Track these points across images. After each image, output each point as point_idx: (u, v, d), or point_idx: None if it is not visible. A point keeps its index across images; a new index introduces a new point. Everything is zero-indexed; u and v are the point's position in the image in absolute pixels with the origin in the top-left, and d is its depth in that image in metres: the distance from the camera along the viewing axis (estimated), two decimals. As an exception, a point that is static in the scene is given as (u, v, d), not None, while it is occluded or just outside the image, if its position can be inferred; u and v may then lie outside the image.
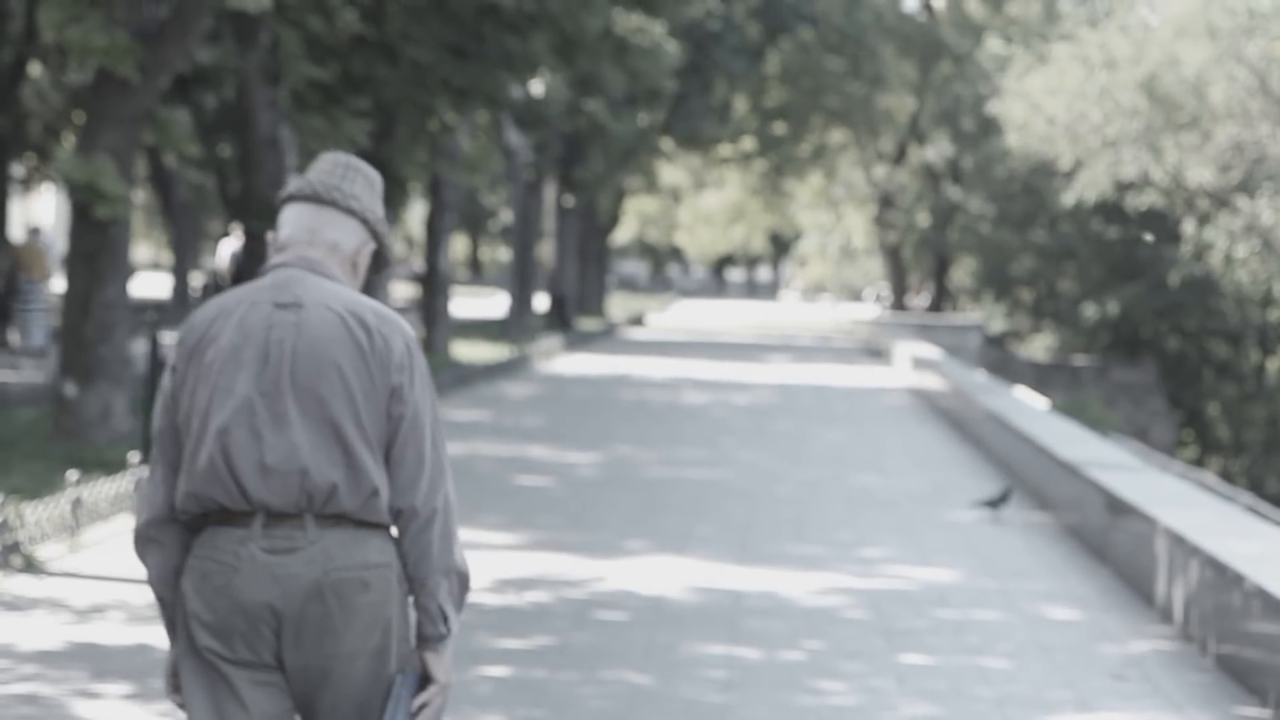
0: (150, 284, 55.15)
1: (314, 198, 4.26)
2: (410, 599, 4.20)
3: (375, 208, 4.31)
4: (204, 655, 4.08)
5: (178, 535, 4.17)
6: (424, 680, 4.15)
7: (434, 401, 4.20)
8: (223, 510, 4.08)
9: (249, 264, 21.12)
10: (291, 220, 4.27)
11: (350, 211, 4.26)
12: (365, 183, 4.30)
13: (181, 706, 4.19)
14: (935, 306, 61.79)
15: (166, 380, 4.21)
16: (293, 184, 4.31)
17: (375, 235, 4.30)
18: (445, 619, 4.16)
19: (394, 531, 4.17)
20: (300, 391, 4.09)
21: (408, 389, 4.13)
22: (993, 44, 55.71)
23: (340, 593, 4.05)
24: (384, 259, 4.33)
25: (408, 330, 4.21)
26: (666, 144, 52.70)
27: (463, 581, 4.19)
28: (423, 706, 4.13)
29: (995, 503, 14.84)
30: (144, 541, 4.19)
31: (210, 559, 4.08)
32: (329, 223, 4.26)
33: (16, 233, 45.77)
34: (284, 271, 4.21)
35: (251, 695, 4.07)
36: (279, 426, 4.07)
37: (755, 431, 22.20)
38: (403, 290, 55.37)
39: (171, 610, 4.21)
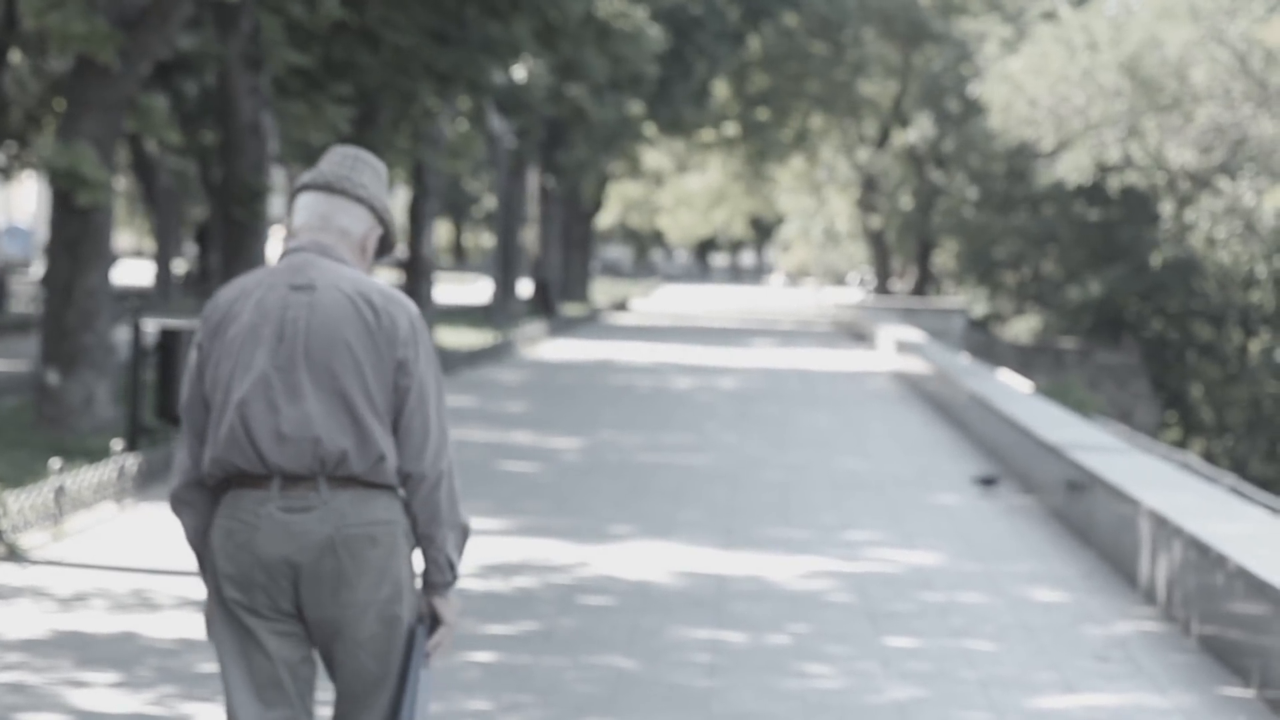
0: (133, 271, 55.05)
1: (325, 187, 4.63)
2: (419, 552, 4.60)
3: (381, 196, 4.67)
4: (230, 606, 4.49)
5: (208, 497, 4.58)
6: (433, 623, 4.59)
7: (438, 374, 4.58)
8: (243, 474, 4.48)
9: (229, 250, 21.06)
10: (305, 207, 4.64)
11: (359, 200, 4.63)
12: (372, 173, 4.67)
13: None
14: (919, 290, 61.83)
15: (193, 356, 4.59)
16: (306, 175, 4.66)
17: (382, 222, 4.68)
18: (452, 567, 4.58)
19: (400, 493, 4.56)
20: (313, 366, 4.47)
21: (413, 362, 4.51)
22: (966, 22, 55.72)
23: (351, 547, 4.45)
24: (389, 243, 4.70)
25: (412, 308, 4.58)
26: (649, 129, 52.66)
27: (465, 533, 4.62)
28: (436, 646, 4.59)
29: (988, 481, 15.35)
30: (179, 504, 4.61)
31: (233, 518, 4.48)
32: (339, 210, 4.63)
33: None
34: (298, 255, 4.57)
35: (272, 642, 4.48)
36: (294, 398, 4.46)
37: (740, 416, 22.22)
38: (386, 276, 55.31)
39: (205, 561, 4.62)
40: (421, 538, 4.55)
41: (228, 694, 4.51)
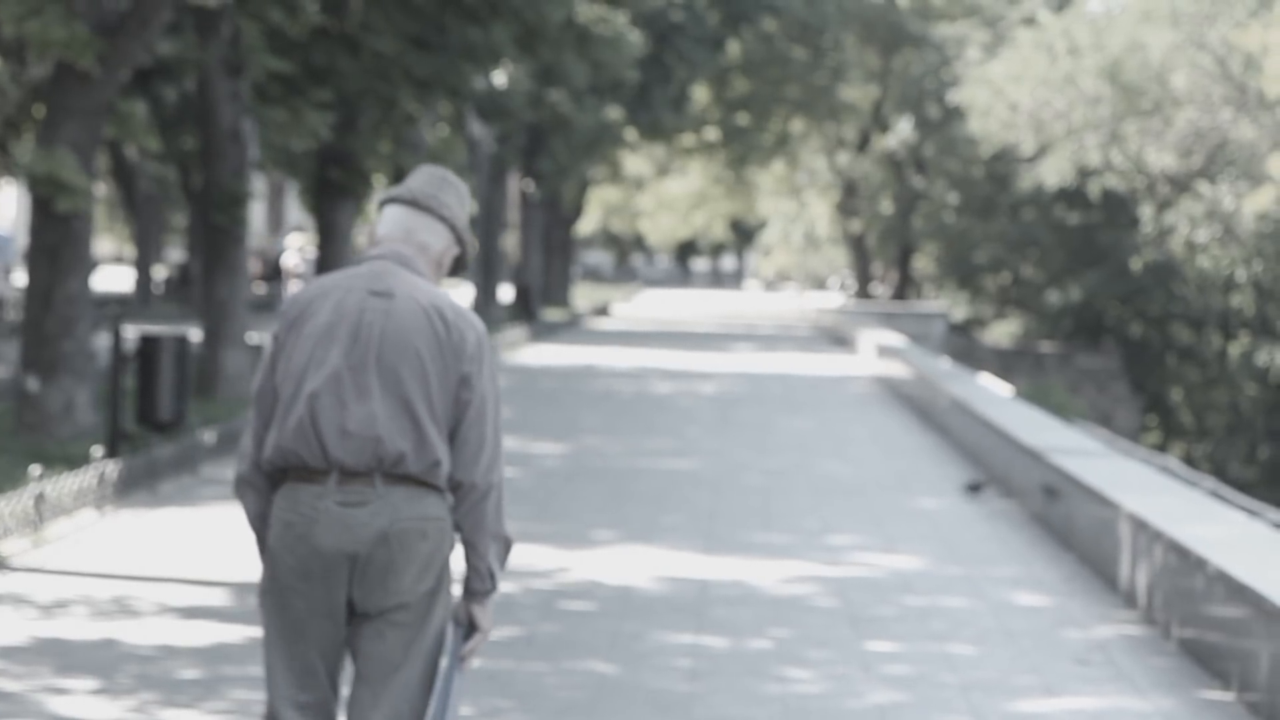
0: (113, 278, 54.94)
1: (412, 203, 4.91)
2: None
3: (463, 217, 4.96)
4: (284, 593, 4.76)
5: (268, 482, 4.85)
6: (469, 628, 4.83)
7: (497, 391, 4.85)
8: (303, 466, 4.73)
9: (210, 255, 21.03)
10: (390, 220, 4.91)
11: (442, 219, 4.92)
12: (456, 195, 4.95)
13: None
14: (899, 294, 61.88)
15: (268, 346, 4.85)
16: (393, 189, 4.95)
17: (460, 241, 4.96)
18: (492, 576, 4.84)
19: (449, 498, 4.82)
20: (383, 369, 4.73)
21: (476, 378, 4.78)
22: (945, 27, 55.77)
23: (403, 540, 4.72)
24: (464, 261, 5.00)
25: (480, 327, 4.84)
26: (629, 134, 52.65)
27: (507, 545, 4.86)
28: (471, 651, 4.83)
29: (975, 487, 15.45)
30: (243, 485, 4.87)
31: (292, 511, 4.74)
32: (422, 226, 4.91)
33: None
34: (379, 263, 4.85)
35: (315, 631, 4.75)
36: (361, 397, 4.72)
37: (721, 420, 22.22)
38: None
39: (265, 543, 4.88)
40: (465, 545, 4.81)
41: (268, 670, 4.81)
